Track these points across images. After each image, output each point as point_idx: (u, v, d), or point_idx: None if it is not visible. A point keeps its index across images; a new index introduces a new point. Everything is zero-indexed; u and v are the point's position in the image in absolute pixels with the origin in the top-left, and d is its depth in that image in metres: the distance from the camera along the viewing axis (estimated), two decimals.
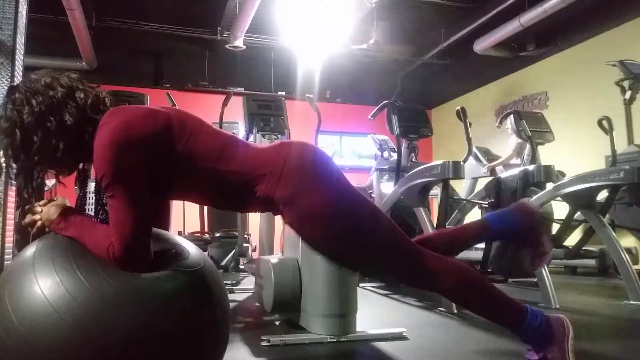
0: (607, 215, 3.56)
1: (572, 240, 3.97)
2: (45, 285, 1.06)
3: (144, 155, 1.16)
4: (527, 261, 1.49)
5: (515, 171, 3.30)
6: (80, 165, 1.34)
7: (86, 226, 1.18)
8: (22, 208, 2.47)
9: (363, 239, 1.27)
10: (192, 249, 1.29)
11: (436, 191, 3.81)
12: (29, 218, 1.25)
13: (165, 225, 1.46)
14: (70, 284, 1.05)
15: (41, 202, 1.25)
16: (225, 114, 3.98)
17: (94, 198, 1.32)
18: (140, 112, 1.22)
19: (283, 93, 7.42)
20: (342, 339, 2.01)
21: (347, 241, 1.27)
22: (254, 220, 4.22)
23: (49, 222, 1.21)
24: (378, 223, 1.30)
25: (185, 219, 5.16)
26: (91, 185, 1.38)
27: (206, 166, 1.23)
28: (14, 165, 1.20)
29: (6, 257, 1.95)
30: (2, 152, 1.21)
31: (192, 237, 4.63)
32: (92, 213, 1.31)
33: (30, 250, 1.16)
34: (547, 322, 1.31)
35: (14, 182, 1.25)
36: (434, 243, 1.44)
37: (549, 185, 3.45)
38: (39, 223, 1.23)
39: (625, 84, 4.51)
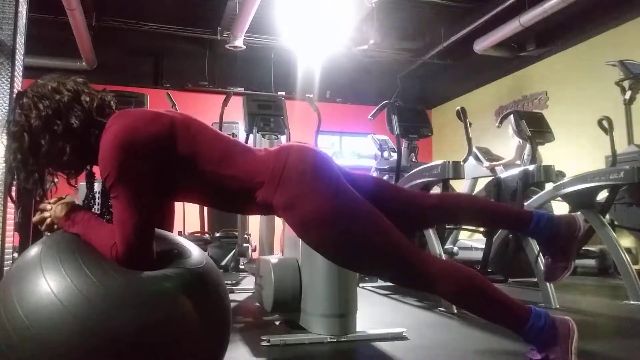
0: (607, 215, 3.56)
1: None
2: (51, 279, 1.07)
3: (148, 157, 1.18)
4: (546, 269, 1.49)
5: (515, 171, 3.30)
6: (88, 167, 1.36)
7: (92, 224, 1.20)
8: (21, 208, 2.48)
9: (361, 243, 1.27)
10: (193, 249, 1.31)
11: (436, 191, 3.80)
12: (38, 216, 1.28)
13: (169, 227, 1.48)
14: (76, 278, 1.07)
15: (51, 200, 1.28)
16: (225, 114, 3.98)
17: (100, 199, 1.35)
18: (145, 115, 1.25)
19: (283, 93, 7.41)
20: (342, 339, 2.01)
21: (345, 245, 1.27)
22: (254, 220, 4.22)
23: (57, 220, 1.24)
24: (376, 226, 1.29)
25: (185, 219, 5.15)
26: (97, 186, 1.40)
27: (208, 170, 1.25)
28: (23, 169, 1.22)
29: (6, 257, 1.95)
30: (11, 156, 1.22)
31: (192, 237, 4.62)
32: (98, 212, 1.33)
33: (38, 246, 1.19)
34: (552, 323, 1.29)
35: (22, 184, 1.26)
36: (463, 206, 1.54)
37: (549, 186, 3.45)
38: (48, 220, 1.26)
39: (625, 84, 4.50)
